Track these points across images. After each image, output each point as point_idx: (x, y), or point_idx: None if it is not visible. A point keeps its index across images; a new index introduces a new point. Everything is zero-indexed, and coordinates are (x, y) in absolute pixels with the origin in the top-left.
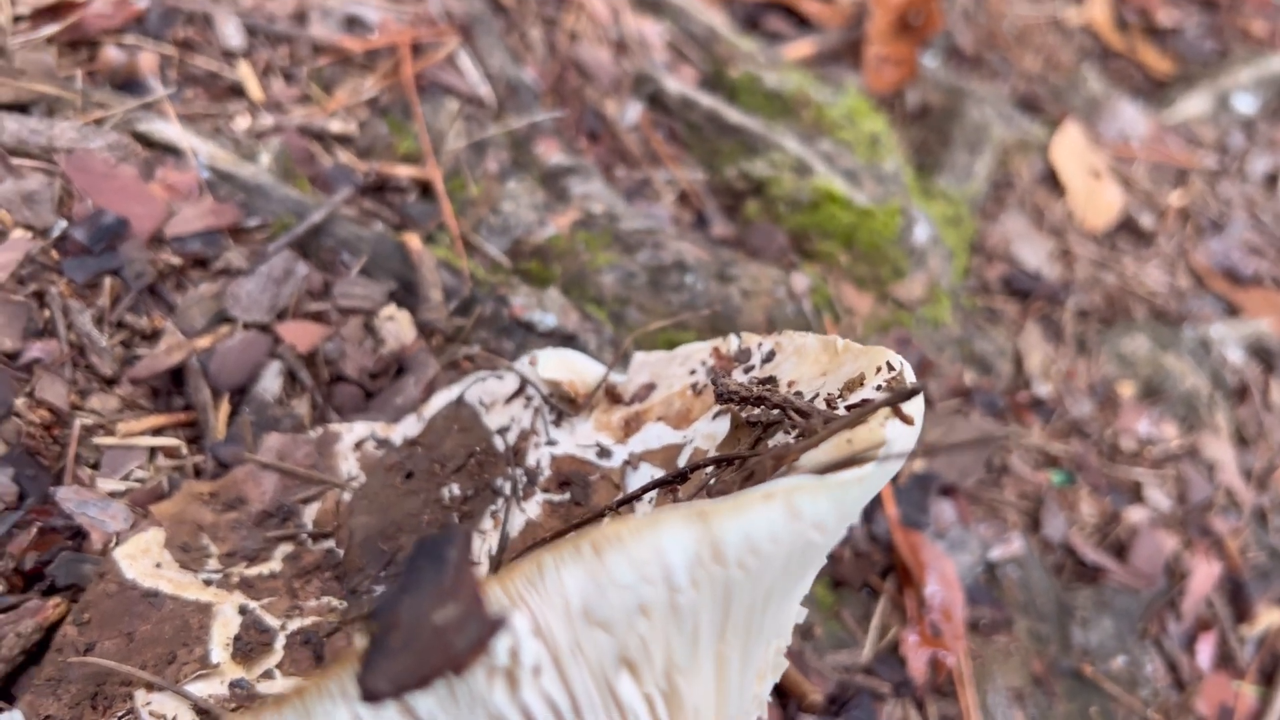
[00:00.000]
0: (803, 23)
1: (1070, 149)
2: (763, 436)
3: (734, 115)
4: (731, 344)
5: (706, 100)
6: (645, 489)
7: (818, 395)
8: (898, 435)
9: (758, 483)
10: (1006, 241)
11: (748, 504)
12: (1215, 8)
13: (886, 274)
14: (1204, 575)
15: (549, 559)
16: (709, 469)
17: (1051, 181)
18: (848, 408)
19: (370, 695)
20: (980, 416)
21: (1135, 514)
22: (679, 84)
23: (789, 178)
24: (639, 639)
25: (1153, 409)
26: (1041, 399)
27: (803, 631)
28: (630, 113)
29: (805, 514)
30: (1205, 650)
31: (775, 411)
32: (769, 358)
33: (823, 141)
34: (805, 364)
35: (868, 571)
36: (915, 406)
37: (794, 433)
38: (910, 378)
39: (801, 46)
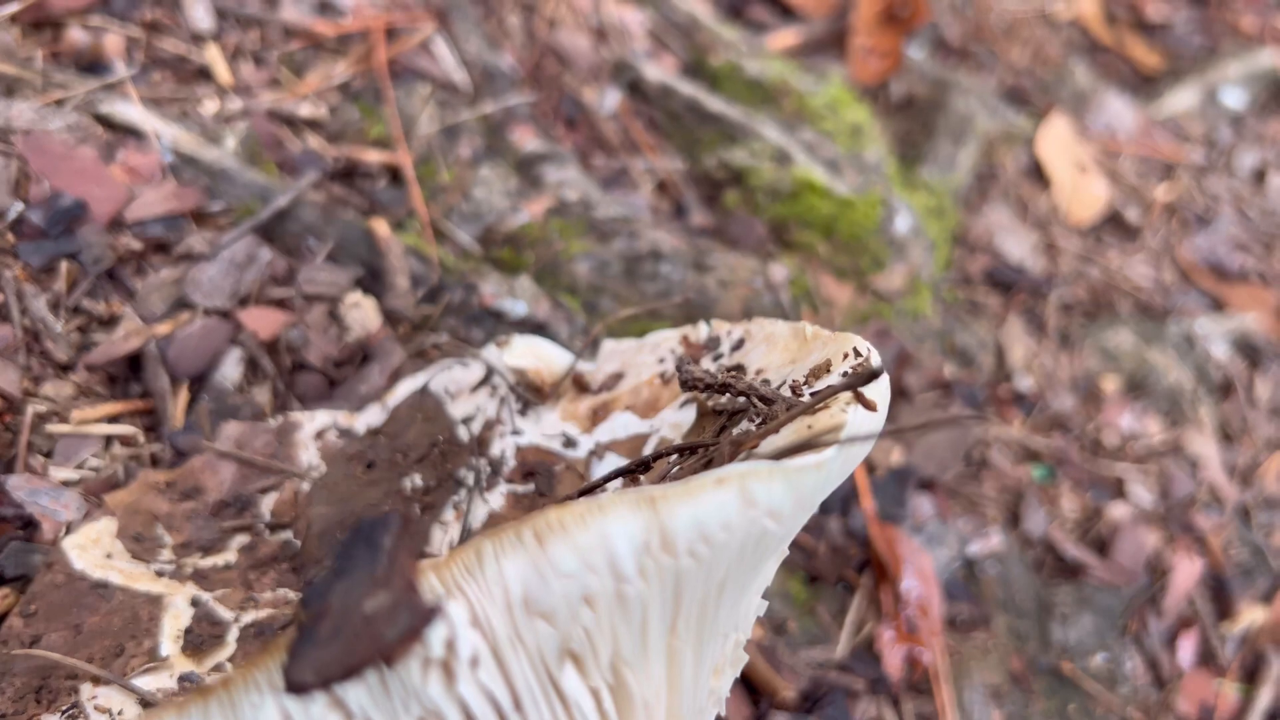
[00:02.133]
0: (787, 12)
1: (1056, 141)
2: (727, 425)
3: (714, 104)
4: (701, 331)
5: (686, 88)
6: (606, 479)
7: (784, 383)
8: (859, 420)
9: (712, 466)
10: (990, 234)
11: (699, 489)
12: (1204, 3)
13: (866, 265)
14: (1186, 572)
15: (488, 546)
16: (672, 458)
17: (1037, 174)
18: (812, 394)
19: (295, 686)
20: (960, 409)
21: (1117, 510)
22: (659, 72)
23: (769, 167)
24: (583, 630)
25: (1136, 404)
26: (1023, 393)
27: (776, 626)
28: (609, 100)
29: (760, 500)
30: (1186, 648)
31: (740, 399)
32: (738, 345)
33: (804, 131)
34: (774, 352)
35: (844, 566)
36: (879, 391)
37: (758, 420)
38: (876, 362)
39: (785, 36)
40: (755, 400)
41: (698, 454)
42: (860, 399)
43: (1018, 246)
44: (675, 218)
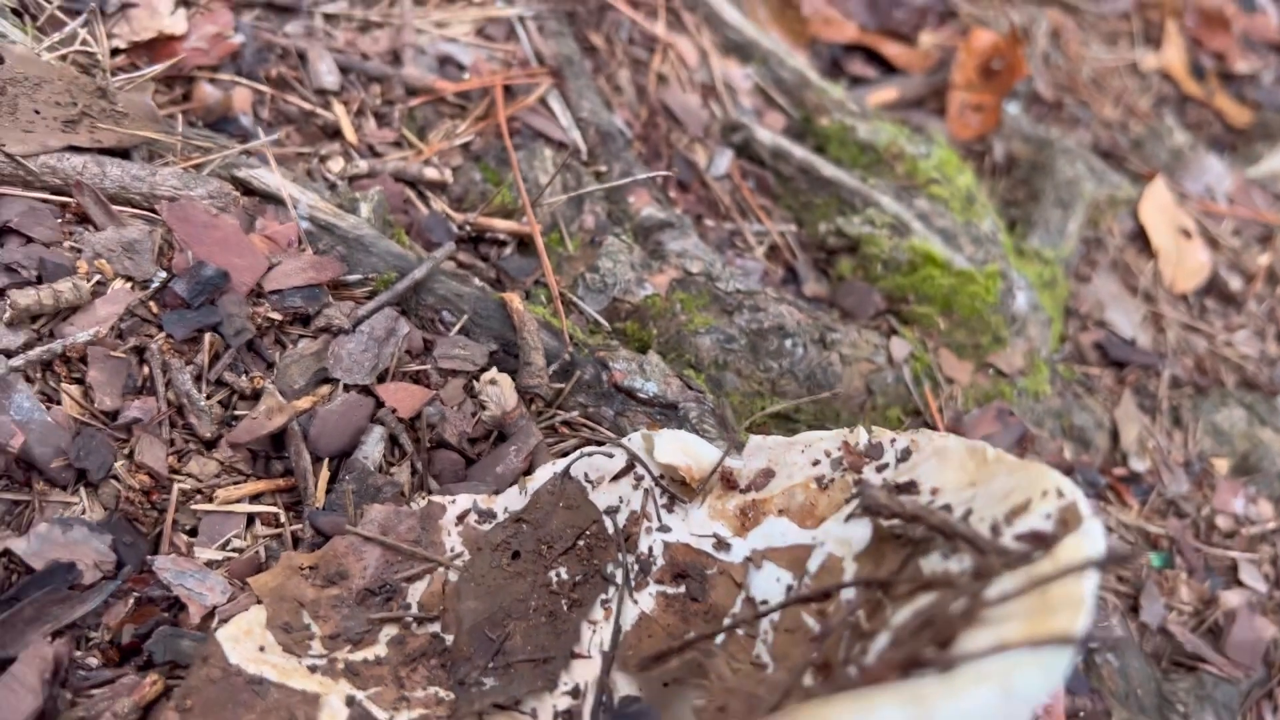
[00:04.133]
0: (886, 66)
1: (1159, 207)
2: (914, 554)
3: (828, 169)
4: (860, 437)
5: (800, 152)
6: (785, 604)
7: (970, 512)
8: (1093, 589)
9: (945, 638)
10: (1100, 306)
11: (963, 686)
12: None
13: (986, 341)
14: None
15: None
16: (852, 591)
17: (1141, 240)
18: (1015, 537)
19: None
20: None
21: (1232, 598)
22: (771, 134)
23: (885, 236)
24: None
25: (1248, 486)
26: (1139, 474)
27: None
28: (720, 162)
29: (1019, 693)
30: None
31: (922, 529)
32: (904, 457)
33: (918, 198)
34: (948, 470)
35: None
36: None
37: (952, 557)
38: (1085, 510)
39: (885, 92)
40: (960, 542)
41: (883, 587)
42: (1100, 568)
43: (1127, 320)
44: (787, 284)
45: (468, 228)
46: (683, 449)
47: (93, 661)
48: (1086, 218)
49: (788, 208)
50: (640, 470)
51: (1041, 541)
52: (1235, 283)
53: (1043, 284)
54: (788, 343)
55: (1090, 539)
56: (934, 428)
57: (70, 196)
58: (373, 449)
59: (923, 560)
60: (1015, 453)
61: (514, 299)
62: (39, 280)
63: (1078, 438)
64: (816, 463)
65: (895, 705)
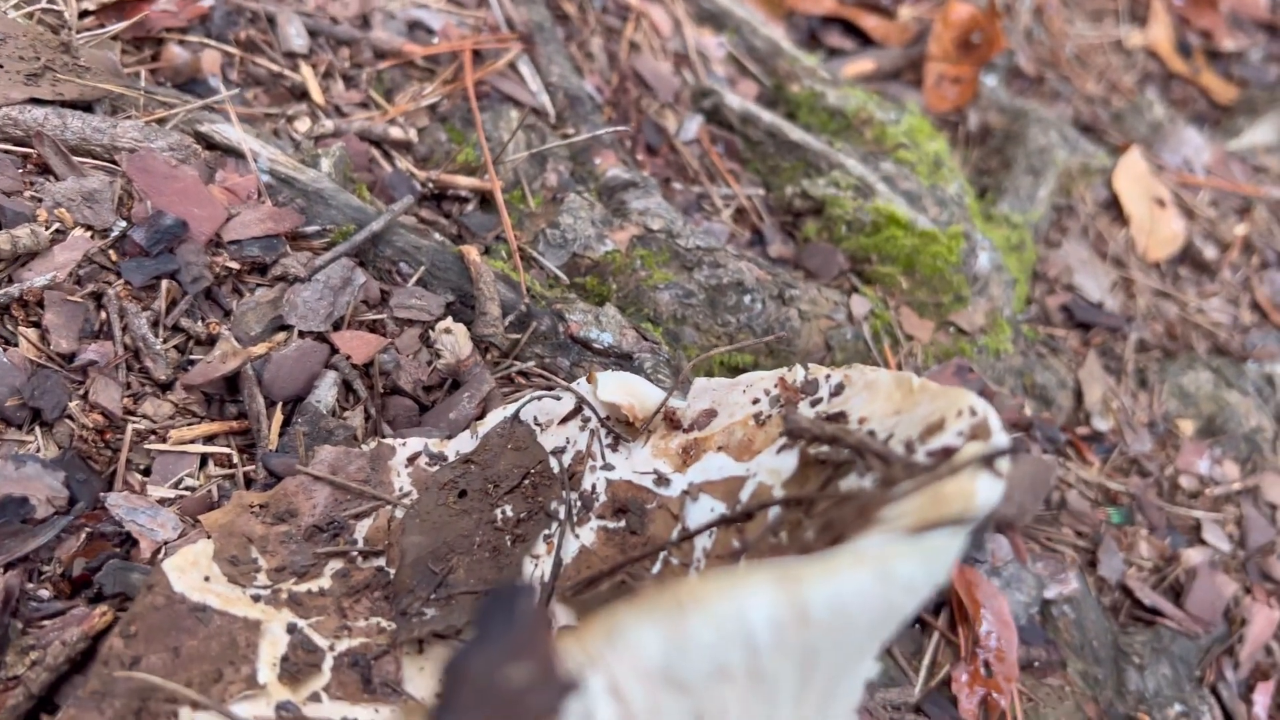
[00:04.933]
0: (863, 39)
1: (1133, 176)
2: (833, 477)
3: (795, 132)
4: (798, 374)
5: (768, 116)
6: (709, 525)
7: (892, 436)
8: (988, 490)
9: (838, 535)
10: (1068, 270)
11: (838, 567)
12: None
13: (948, 300)
14: (1264, 621)
15: (628, 615)
16: (775, 510)
17: (1114, 209)
18: (928, 454)
19: None
20: (1040, 451)
21: (1194, 556)
22: (740, 99)
23: (850, 198)
24: (717, 702)
25: (1214, 447)
26: (1101, 433)
27: None
28: (689, 126)
29: (898, 578)
30: (1263, 699)
31: (846, 451)
32: (837, 391)
33: (884, 162)
34: (876, 400)
35: (920, 607)
36: (1003, 459)
37: (867, 475)
38: (995, 423)
39: (862, 63)
40: (869, 456)
41: (803, 506)
42: (990, 468)
43: (1096, 284)
44: (754, 246)
45: (430, 185)
46: (626, 389)
47: (44, 594)
48: (1058, 185)
49: (755, 172)
50: (587, 413)
51: (949, 455)
52: (1210, 251)
53: (1009, 247)
54: (746, 298)
55: (992, 444)
56: None
57: (31, 147)
58: (326, 393)
59: (841, 481)
60: None
61: (471, 251)
62: None
63: (1039, 396)
64: (756, 401)
65: (767, 583)
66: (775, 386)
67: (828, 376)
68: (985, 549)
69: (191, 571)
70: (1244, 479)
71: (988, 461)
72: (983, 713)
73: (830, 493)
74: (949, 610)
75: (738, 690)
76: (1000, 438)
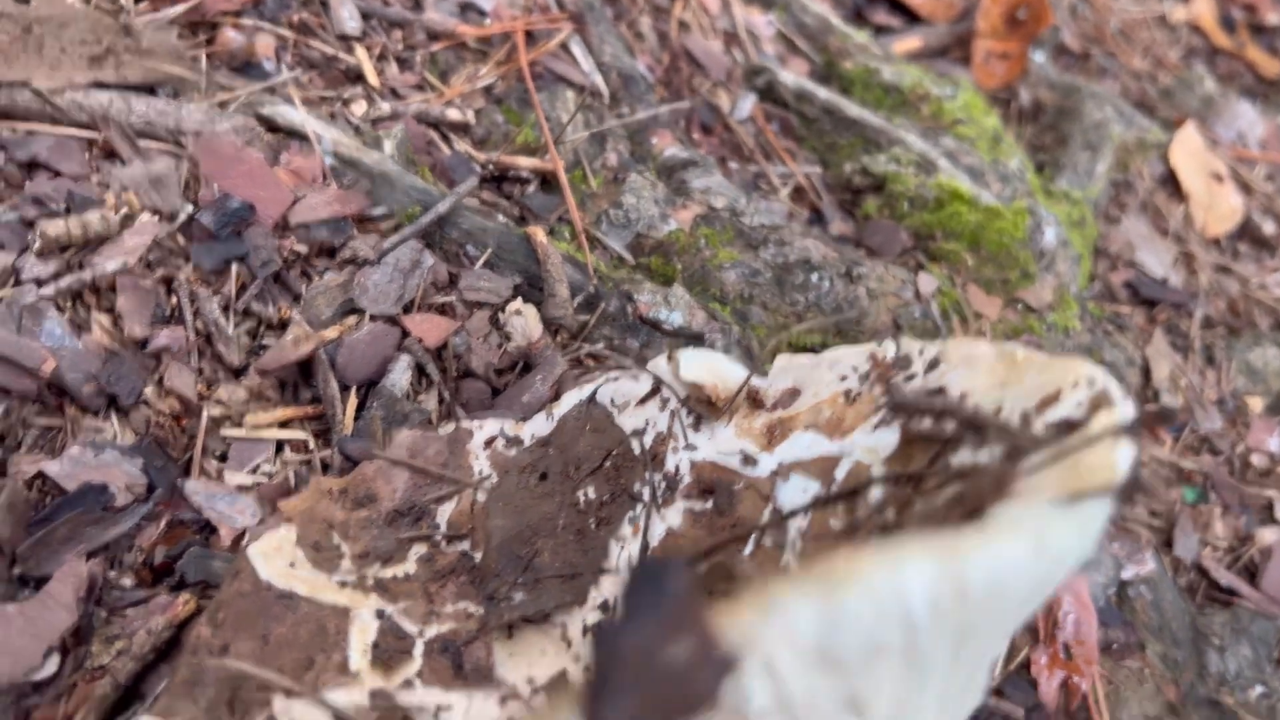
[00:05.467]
0: (910, 15)
1: (1189, 151)
2: (942, 453)
3: (853, 109)
4: (889, 349)
5: (824, 93)
6: (813, 505)
7: (1000, 409)
8: (1128, 459)
9: (975, 507)
10: (1130, 246)
11: (996, 538)
12: None
13: (1015, 277)
14: None
15: (784, 591)
16: (878, 489)
17: (1171, 184)
18: (1047, 426)
19: None
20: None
21: (1268, 535)
22: (794, 76)
23: (911, 174)
24: (872, 680)
25: None
26: (1171, 410)
27: None
28: (743, 105)
29: (1052, 548)
30: None
31: (952, 427)
32: (933, 366)
33: (944, 138)
34: (978, 374)
35: None
36: (1135, 429)
37: (982, 450)
38: (1116, 392)
39: (909, 41)
40: (993, 432)
41: (913, 483)
42: (1127, 434)
43: (1158, 260)
44: (812, 224)
45: (491, 166)
46: (709, 367)
47: (126, 582)
48: (1115, 160)
49: (812, 149)
50: (666, 393)
51: (1072, 427)
52: (1269, 227)
53: (1071, 223)
54: (814, 276)
55: (1122, 412)
56: None
57: (97, 131)
58: (400, 377)
59: (952, 457)
60: None
61: (538, 233)
62: (67, 212)
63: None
64: (844, 378)
65: (926, 553)
66: (866, 363)
67: (921, 351)
68: None
69: (276, 558)
70: None
71: (1124, 430)
72: (1063, 696)
73: (941, 469)
74: None
75: (893, 669)
76: (1127, 407)
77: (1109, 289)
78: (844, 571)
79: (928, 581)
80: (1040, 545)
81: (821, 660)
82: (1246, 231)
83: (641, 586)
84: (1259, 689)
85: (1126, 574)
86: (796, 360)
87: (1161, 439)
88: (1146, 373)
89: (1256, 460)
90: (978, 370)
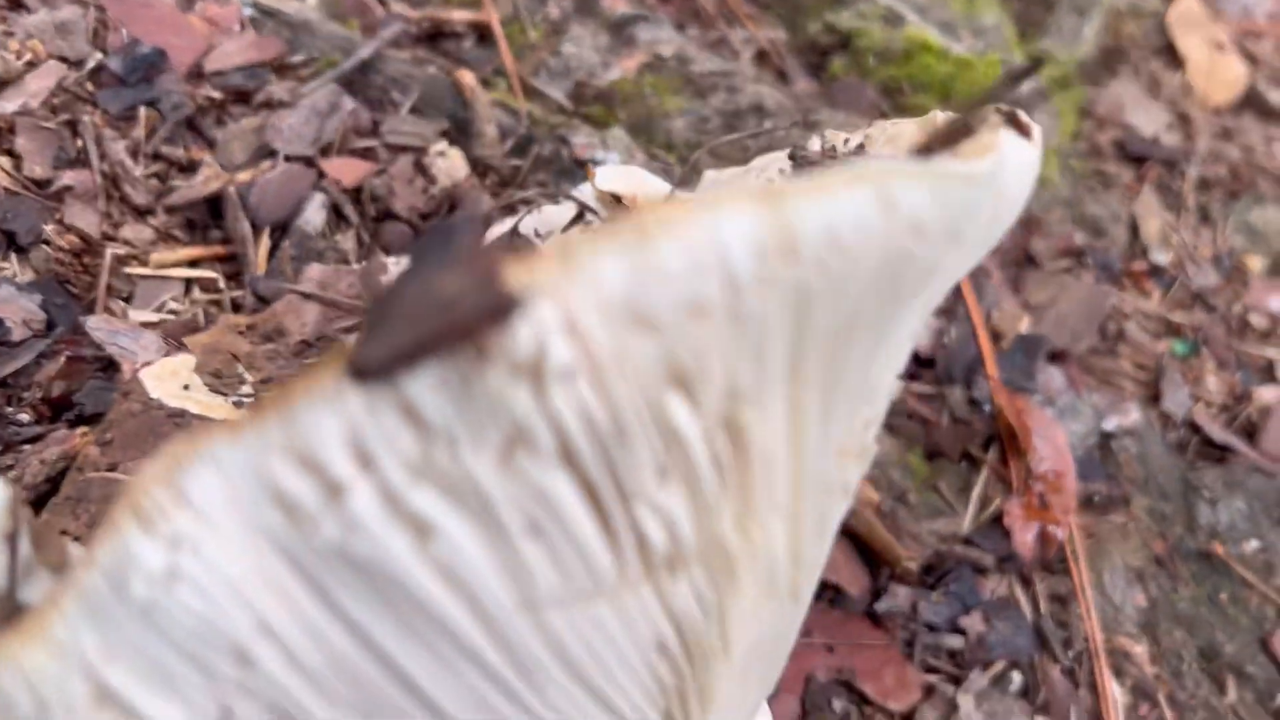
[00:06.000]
0: None
1: (1188, 19)
2: None
3: None
4: (813, 144)
5: None
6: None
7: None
8: (1012, 145)
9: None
10: (1119, 108)
11: (830, 185)
12: None
13: None
14: None
15: (585, 242)
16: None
17: (1167, 53)
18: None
19: (360, 371)
20: (1093, 277)
21: (1267, 394)
22: None
23: (879, 28)
24: (692, 347)
25: None
26: (1160, 267)
27: (896, 496)
28: None
29: (901, 206)
30: None
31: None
32: (858, 150)
33: None
34: (901, 148)
35: (967, 440)
36: (1034, 131)
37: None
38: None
39: None
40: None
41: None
42: (1015, 124)
43: (1150, 121)
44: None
45: (426, 24)
46: (627, 179)
47: (24, 417)
48: (1104, 25)
49: (777, 15)
50: (590, 218)
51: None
52: (1276, 97)
53: (1054, 84)
54: (767, 123)
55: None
56: None
57: None
58: (314, 216)
59: None
60: (1018, 238)
61: (466, 75)
62: None
63: (1091, 228)
64: (770, 181)
65: (746, 200)
66: (790, 161)
67: (846, 140)
68: (1036, 379)
69: (170, 380)
70: None
71: (1009, 118)
72: (1039, 546)
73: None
74: (999, 445)
75: (716, 331)
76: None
77: (1095, 148)
78: (654, 221)
79: (747, 230)
80: (885, 199)
81: (632, 318)
82: (1251, 102)
83: (431, 240)
84: (1255, 542)
85: (1109, 425)
86: (726, 172)
87: (1148, 290)
88: (1134, 229)
89: (1255, 320)
90: (901, 144)
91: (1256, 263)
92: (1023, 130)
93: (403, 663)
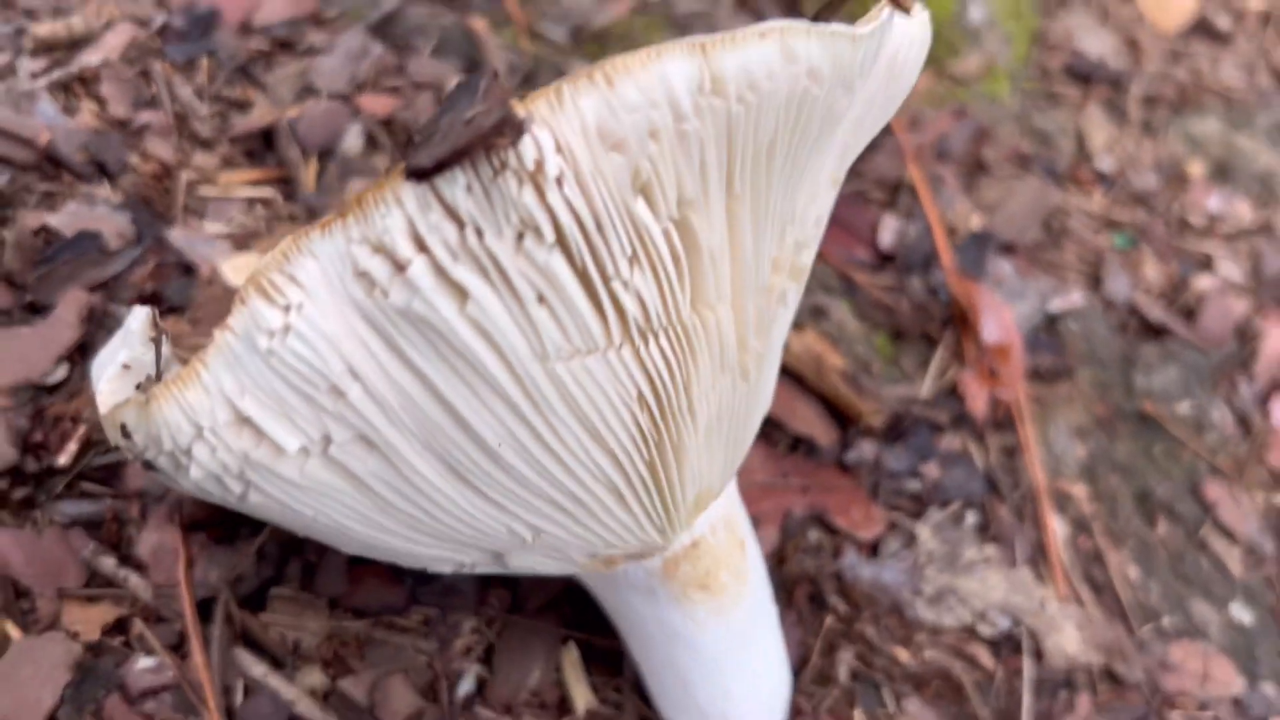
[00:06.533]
0: None
1: None
2: None
3: None
4: None
5: None
6: None
7: None
8: (895, 19)
9: None
10: (1070, 36)
11: (744, 39)
12: None
13: (942, 51)
14: (1278, 339)
15: (565, 86)
16: None
17: None
18: None
19: (415, 172)
20: (1040, 180)
21: (1204, 282)
22: None
23: None
24: (650, 163)
25: (1223, 187)
26: (1104, 173)
27: (861, 366)
28: None
29: (800, 56)
30: (1279, 410)
31: None
32: None
33: None
34: None
35: (926, 322)
36: (916, 9)
37: None
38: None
39: None
40: None
41: None
42: (896, 3)
43: (1099, 45)
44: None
45: None
46: None
47: (122, 310)
48: None
49: None
50: None
51: None
52: (1224, 22)
53: (1006, 13)
54: None
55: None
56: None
57: None
58: (353, 142)
59: None
60: (970, 148)
61: (478, 22)
62: (55, 16)
63: (1040, 139)
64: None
65: (682, 49)
66: None
67: None
68: (986, 269)
69: (244, 271)
70: (1256, 215)
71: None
72: (990, 408)
73: None
74: (954, 328)
75: (667, 148)
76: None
77: (1045, 72)
78: (617, 66)
79: (685, 70)
80: (786, 49)
81: (604, 140)
82: (1201, 28)
83: (460, 88)
84: (1187, 403)
85: (1053, 307)
86: None
87: (1091, 192)
88: (1080, 141)
89: (1194, 220)
90: None
91: (1197, 168)
92: (903, 8)
93: (451, 399)
